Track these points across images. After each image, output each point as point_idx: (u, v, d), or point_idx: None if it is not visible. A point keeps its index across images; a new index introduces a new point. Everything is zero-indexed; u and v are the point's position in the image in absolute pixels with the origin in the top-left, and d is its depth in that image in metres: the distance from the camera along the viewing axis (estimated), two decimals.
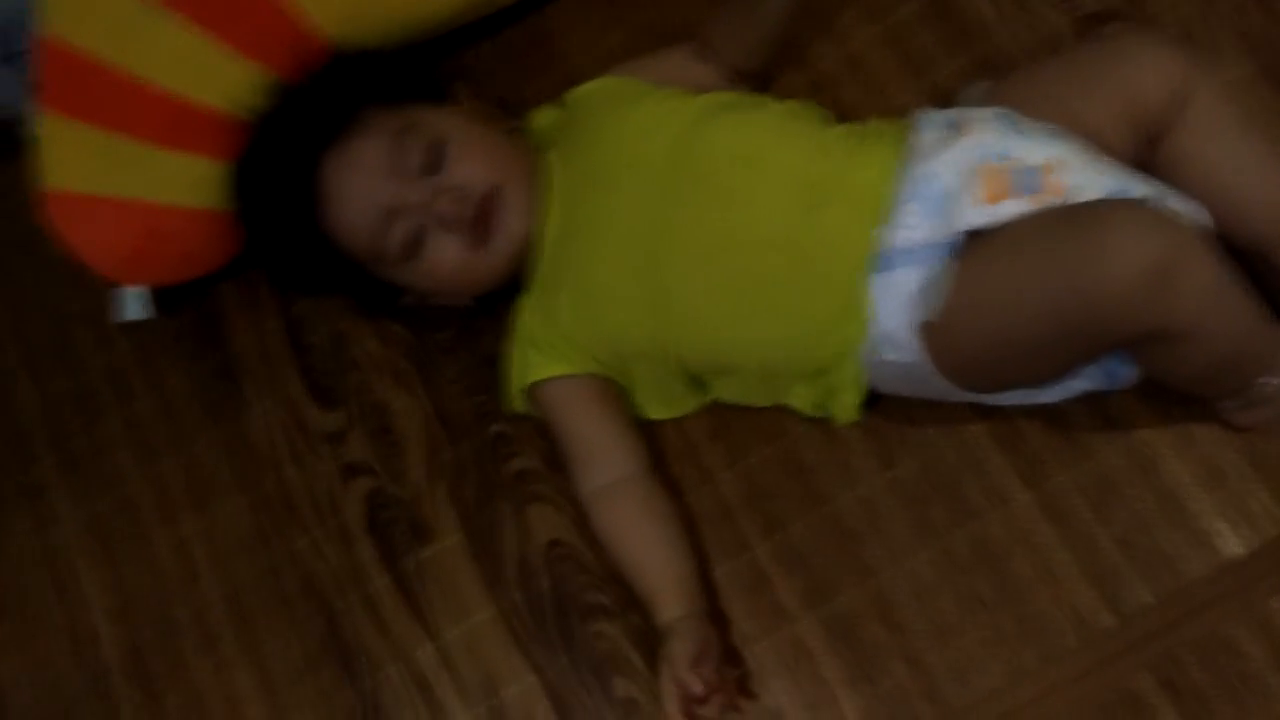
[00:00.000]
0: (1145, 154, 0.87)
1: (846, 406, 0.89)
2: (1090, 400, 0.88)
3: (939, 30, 1.03)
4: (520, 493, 0.98)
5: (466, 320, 1.02)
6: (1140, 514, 0.88)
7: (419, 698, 0.95)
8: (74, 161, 0.98)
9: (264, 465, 1.03)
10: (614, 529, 0.91)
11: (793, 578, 0.92)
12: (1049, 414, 0.90)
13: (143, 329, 1.07)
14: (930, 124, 0.87)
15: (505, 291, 0.96)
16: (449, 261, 0.91)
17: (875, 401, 0.91)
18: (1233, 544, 0.86)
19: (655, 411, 0.96)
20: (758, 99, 0.96)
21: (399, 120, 0.91)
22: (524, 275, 0.94)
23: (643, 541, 0.90)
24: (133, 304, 1.03)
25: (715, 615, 0.90)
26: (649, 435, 0.95)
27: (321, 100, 0.94)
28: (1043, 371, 0.84)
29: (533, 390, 0.94)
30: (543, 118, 1.01)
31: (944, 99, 0.99)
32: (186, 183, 0.98)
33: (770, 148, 0.88)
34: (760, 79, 1.01)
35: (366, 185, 0.90)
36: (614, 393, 0.94)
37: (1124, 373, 0.85)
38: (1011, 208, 0.79)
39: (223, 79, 0.96)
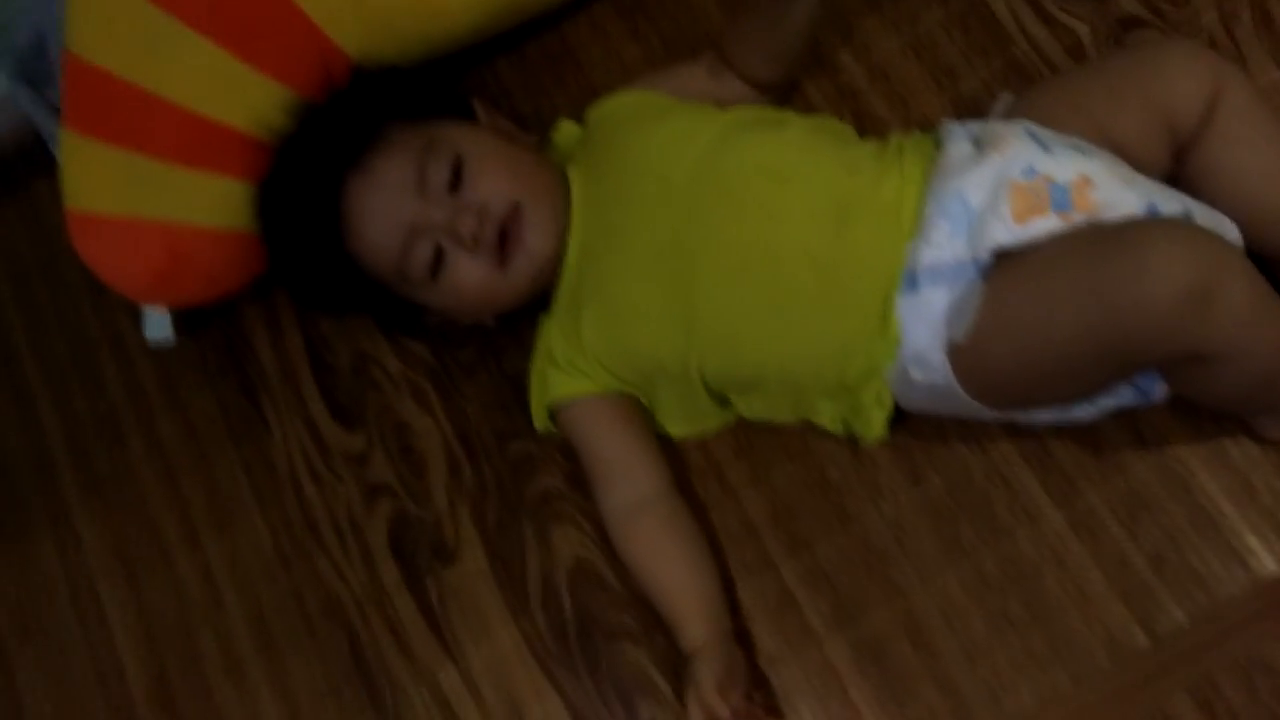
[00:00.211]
0: (1173, 164, 0.86)
1: (873, 424, 0.88)
2: (1120, 417, 0.87)
3: (962, 41, 1.02)
4: (543, 513, 0.98)
5: (487, 338, 1.02)
6: (1172, 532, 0.87)
7: None
8: (96, 183, 0.98)
9: (285, 487, 1.03)
10: (638, 549, 0.90)
11: (819, 598, 0.91)
12: (1078, 430, 0.89)
13: (165, 350, 1.07)
14: (956, 138, 0.86)
15: (527, 309, 0.95)
16: (472, 281, 0.90)
17: (901, 418, 0.90)
18: (1267, 562, 0.85)
19: (678, 429, 0.95)
20: (782, 114, 0.95)
21: (421, 137, 0.90)
22: (547, 293, 0.94)
23: (667, 561, 0.89)
24: (156, 325, 1.03)
25: (741, 636, 0.90)
26: (672, 453, 0.95)
27: (344, 119, 0.94)
28: (1074, 392, 0.83)
29: (555, 409, 0.94)
30: (564, 133, 1.01)
31: (968, 109, 0.98)
32: (211, 203, 0.98)
33: (798, 164, 0.87)
34: (782, 91, 1.00)
35: (390, 204, 0.89)
36: (637, 411, 0.93)
37: (1156, 389, 0.84)
38: (1042, 226, 0.78)
39: (246, 98, 0.96)
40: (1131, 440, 0.89)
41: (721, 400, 0.94)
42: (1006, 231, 0.78)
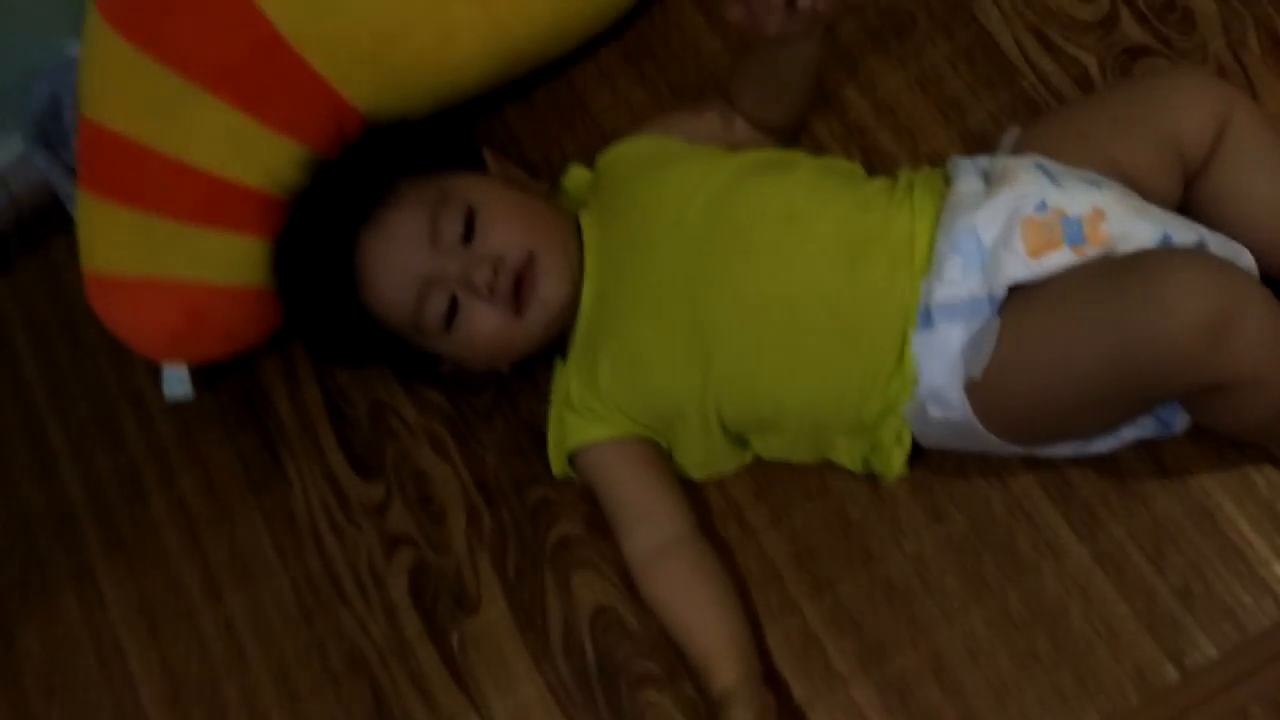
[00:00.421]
0: (1184, 192, 0.86)
1: (893, 463, 0.88)
2: (1142, 448, 0.86)
3: (968, 75, 1.02)
4: (563, 559, 0.97)
5: (503, 384, 1.02)
6: (1199, 563, 0.86)
7: None
8: (113, 244, 0.99)
9: (306, 539, 1.03)
10: (665, 593, 0.89)
11: (844, 640, 0.90)
12: (1100, 463, 0.88)
13: (183, 406, 1.08)
14: (965, 173, 0.86)
15: (541, 354, 0.95)
16: (487, 331, 0.90)
17: (920, 453, 0.90)
18: None
19: (697, 472, 0.95)
20: (791, 155, 0.96)
21: (433, 190, 0.91)
22: (562, 338, 0.94)
23: (695, 604, 0.88)
24: (175, 383, 1.03)
25: (770, 678, 0.88)
26: (692, 495, 0.94)
27: (356, 175, 0.95)
28: (1094, 425, 0.82)
29: (575, 455, 0.93)
30: (574, 178, 1.02)
31: (976, 143, 0.98)
32: (226, 261, 0.99)
33: (808, 204, 0.87)
34: (791, 133, 1.01)
35: (404, 257, 0.90)
36: (657, 454, 0.93)
37: (1177, 419, 0.83)
38: (1056, 260, 0.77)
39: (260, 157, 0.97)
40: (1154, 471, 0.88)
41: (740, 441, 0.93)
42: (1022, 267, 0.78)
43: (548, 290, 0.90)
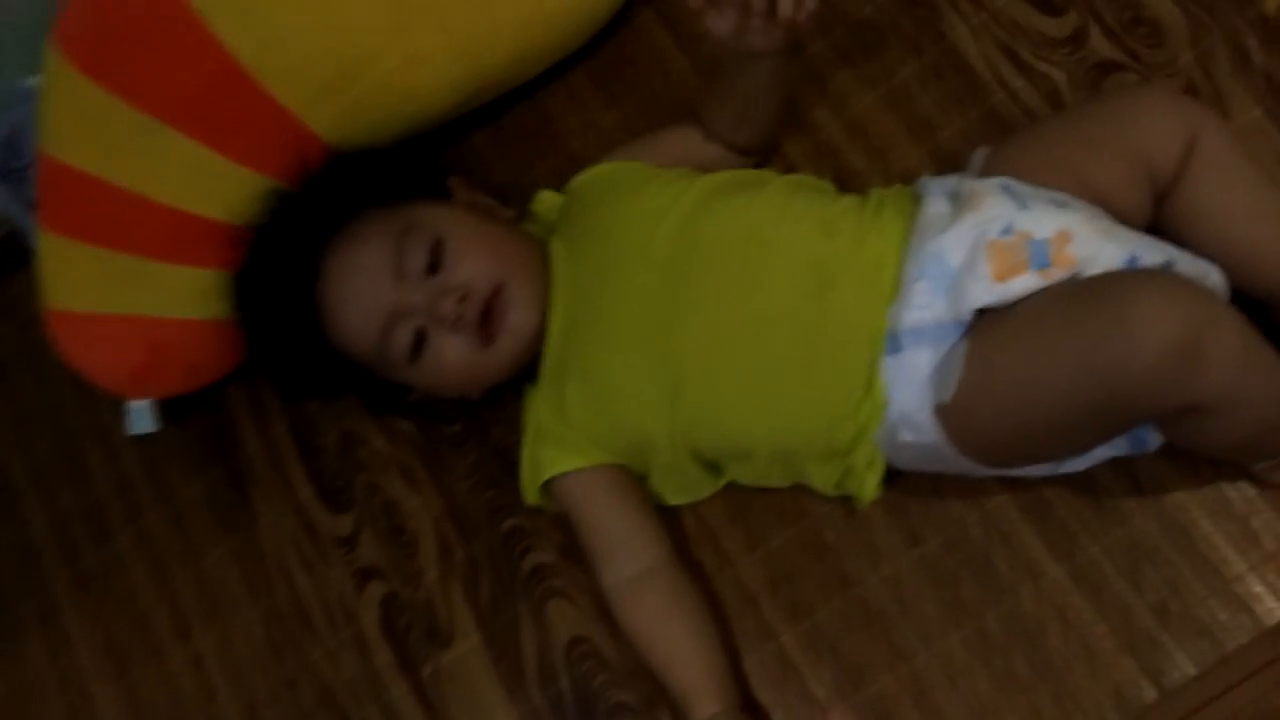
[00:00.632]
0: (1154, 210, 0.85)
1: (866, 487, 0.87)
2: (1117, 465, 0.86)
3: (937, 92, 1.02)
4: (537, 589, 0.96)
5: (474, 413, 1.01)
6: (1176, 581, 0.85)
7: None
8: (75, 281, 0.98)
9: (275, 574, 1.02)
10: (642, 623, 0.88)
11: (822, 666, 0.89)
12: (1076, 482, 0.87)
13: (150, 440, 1.07)
14: (933, 194, 0.86)
15: (511, 381, 0.94)
16: (455, 362, 0.90)
17: (895, 475, 0.89)
18: (1274, 607, 0.83)
19: (672, 497, 0.94)
20: (760, 175, 0.95)
21: (399, 221, 0.90)
22: (533, 366, 0.93)
23: (673, 634, 0.87)
24: (139, 418, 1.02)
25: (750, 706, 0.88)
26: (667, 522, 0.93)
27: (319, 205, 0.94)
28: (1067, 447, 0.82)
29: (548, 485, 0.92)
30: (544, 203, 1.01)
31: (947, 160, 0.98)
32: (189, 295, 0.98)
33: (776, 228, 0.86)
34: (762, 153, 1.00)
35: (369, 290, 0.89)
36: (630, 481, 0.92)
37: (1151, 437, 0.83)
38: (1022, 285, 0.77)
39: (223, 189, 0.96)
40: (1130, 489, 0.87)
41: (713, 468, 0.92)
42: (987, 291, 0.77)
43: (517, 319, 0.90)
